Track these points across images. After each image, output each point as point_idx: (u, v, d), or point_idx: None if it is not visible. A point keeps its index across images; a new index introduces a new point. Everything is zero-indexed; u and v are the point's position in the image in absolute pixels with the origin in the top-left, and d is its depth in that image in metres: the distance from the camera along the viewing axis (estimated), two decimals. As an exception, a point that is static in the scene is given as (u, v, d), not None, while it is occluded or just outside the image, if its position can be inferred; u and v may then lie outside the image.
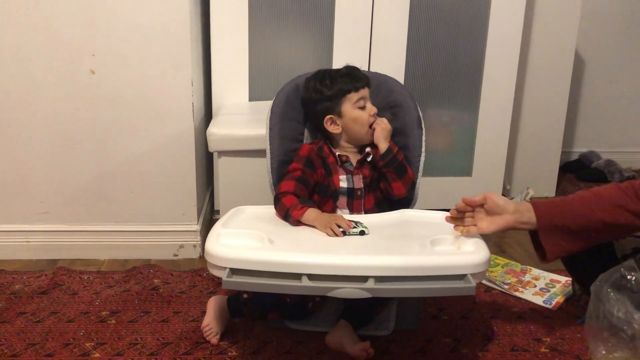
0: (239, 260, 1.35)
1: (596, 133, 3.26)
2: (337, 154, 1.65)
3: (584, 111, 3.23)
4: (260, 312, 1.58)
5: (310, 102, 1.66)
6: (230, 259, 1.36)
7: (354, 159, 1.66)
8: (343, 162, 1.65)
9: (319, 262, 1.34)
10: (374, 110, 1.63)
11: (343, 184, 1.65)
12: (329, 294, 1.32)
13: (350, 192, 1.64)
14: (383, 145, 1.63)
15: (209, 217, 2.35)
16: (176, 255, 2.09)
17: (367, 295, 1.31)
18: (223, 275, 1.34)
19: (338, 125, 1.63)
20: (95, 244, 2.06)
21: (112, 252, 2.06)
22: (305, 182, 1.59)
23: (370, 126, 1.63)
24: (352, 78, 1.62)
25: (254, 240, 1.44)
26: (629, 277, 1.41)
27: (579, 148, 3.26)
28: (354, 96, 1.61)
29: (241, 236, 1.46)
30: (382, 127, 1.63)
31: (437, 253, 1.42)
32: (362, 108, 1.62)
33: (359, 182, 1.65)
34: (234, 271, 1.35)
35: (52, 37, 1.87)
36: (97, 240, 2.06)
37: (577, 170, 3.13)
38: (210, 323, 1.57)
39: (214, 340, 1.57)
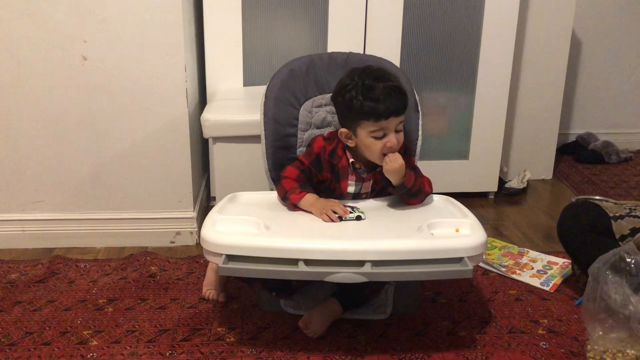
0: (235, 247, 1.35)
1: (593, 114, 3.24)
2: (350, 160, 1.57)
3: (581, 93, 3.21)
4: (247, 278, 1.54)
5: (335, 101, 1.56)
6: (227, 245, 1.36)
7: (368, 165, 1.58)
8: (356, 168, 1.59)
9: (315, 248, 1.35)
10: (392, 142, 1.48)
11: (351, 189, 1.60)
12: (326, 279, 1.32)
13: (356, 196, 1.62)
14: (395, 181, 1.52)
15: (206, 204, 2.34)
16: (173, 242, 2.08)
17: (363, 279, 1.32)
18: (219, 261, 1.34)
19: (352, 140, 1.53)
20: (91, 232, 2.05)
21: (108, 240, 2.06)
22: (308, 177, 1.57)
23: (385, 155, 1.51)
24: (378, 105, 1.45)
25: (250, 226, 1.44)
26: (628, 260, 1.40)
27: (577, 130, 3.25)
28: (370, 125, 1.47)
29: (237, 222, 1.46)
30: (388, 169, 1.49)
31: (433, 236, 1.41)
32: (379, 138, 1.49)
33: (367, 187, 1.62)
34: (230, 257, 1.35)
35: (43, 24, 1.84)
36: (93, 228, 2.05)
37: (575, 152, 3.12)
38: (207, 285, 1.69)
39: (220, 298, 1.67)
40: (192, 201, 2.07)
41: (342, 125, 1.55)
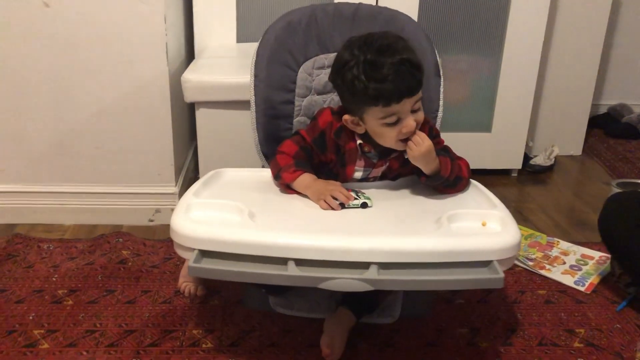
0: (210, 241, 1.10)
1: (629, 84, 2.93)
2: (358, 142, 1.28)
3: (616, 59, 2.89)
4: None
5: (334, 83, 1.25)
6: (200, 238, 1.11)
7: (379, 149, 1.29)
8: (365, 152, 1.30)
9: (309, 245, 1.09)
10: (409, 127, 1.19)
11: (358, 174, 1.33)
12: (321, 286, 1.06)
13: (363, 180, 1.35)
14: (427, 169, 1.25)
15: (193, 177, 2.07)
16: (152, 221, 1.83)
17: (368, 287, 1.06)
18: (190, 259, 1.09)
19: (361, 126, 1.25)
20: (59, 207, 1.80)
21: (78, 217, 1.81)
22: (308, 155, 1.30)
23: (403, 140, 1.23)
24: (386, 86, 1.15)
25: (231, 213, 1.19)
26: None
27: (608, 101, 2.95)
28: (379, 112, 1.19)
29: (216, 208, 1.21)
30: (415, 156, 1.21)
31: (455, 233, 1.15)
32: (392, 124, 1.20)
33: (377, 173, 1.34)
34: (204, 253, 1.10)
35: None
36: (61, 203, 1.80)
37: (606, 125, 2.83)
38: (185, 276, 1.46)
39: (198, 291, 1.45)
40: (174, 175, 1.81)
41: (346, 111, 1.26)
